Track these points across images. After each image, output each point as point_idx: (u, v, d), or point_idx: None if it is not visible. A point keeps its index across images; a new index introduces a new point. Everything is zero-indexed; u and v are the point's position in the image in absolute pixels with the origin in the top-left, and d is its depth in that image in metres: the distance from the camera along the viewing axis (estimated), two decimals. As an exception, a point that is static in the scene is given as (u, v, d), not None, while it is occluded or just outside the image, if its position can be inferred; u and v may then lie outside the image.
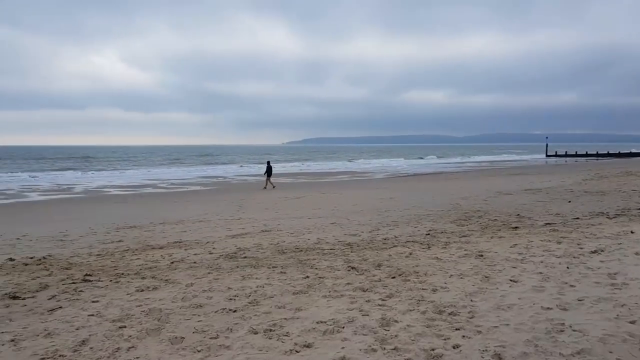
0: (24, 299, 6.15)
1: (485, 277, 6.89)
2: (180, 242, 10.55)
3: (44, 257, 8.95)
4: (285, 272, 7.42)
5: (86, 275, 7.36)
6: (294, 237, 10.97)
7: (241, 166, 67.94)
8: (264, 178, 31.65)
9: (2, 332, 4.93)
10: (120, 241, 10.93)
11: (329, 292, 6.33)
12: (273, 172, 32.20)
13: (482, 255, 8.26)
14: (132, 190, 33.14)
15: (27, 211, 20.73)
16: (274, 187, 30.36)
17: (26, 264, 8.30)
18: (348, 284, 6.71)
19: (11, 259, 8.77)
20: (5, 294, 6.34)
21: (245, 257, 8.72)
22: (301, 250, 9.25)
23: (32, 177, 47.62)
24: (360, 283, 6.73)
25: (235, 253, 9.15)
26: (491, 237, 10.10)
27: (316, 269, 7.65)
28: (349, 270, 7.45)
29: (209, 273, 7.51)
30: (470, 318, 5.25)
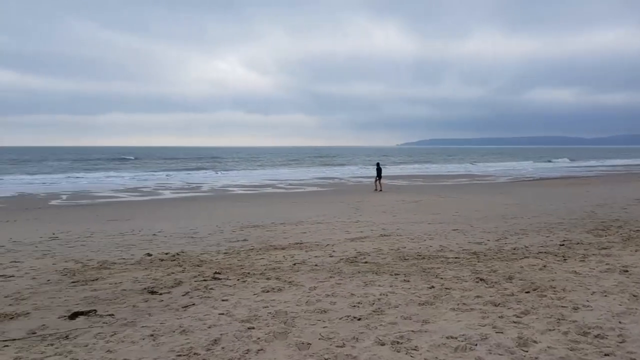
0: (160, 294, 6.52)
1: (634, 295, 6.19)
2: (301, 244, 10.70)
3: (178, 254, 9.48)
4: (409, 281, 7.20)
5: (215, 273, 7.66)
6: (415, 243, 10.68)
7: (361, 167, 68.19)
8: (374, 180, 31.61)
9: (143, 327, 5.23)
10: (245, 240, 11.32)
11: (457, 304, 6.02)
12: (383, 174, 32.03)
13: (627, 271, 7.47)
14: (254, 189, 34.53)
15: (161, 208, 22.32)
16: (381, 189, 30.18)
17: (162, 260, 8.85)
18: (477, 296, 6.34)
19: (149, 254, 9.40)
20: (145, 288, 6.76)
21: (366, 262, 8.62)
22: (424, 258, 8.96)
23: (168, 176, 51.44)
24: (490, 296, 6.33)
25: (355, 257, 9.08)
26: (635, 250, 9.12)
27: (441, 278, 7.35)
28: (478, 282, 7.06)
29: (330, 277, 7.49)
30: (621, 342, 4.71)
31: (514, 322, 5.36)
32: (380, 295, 6.45)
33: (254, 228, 13.55)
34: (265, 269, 8.01)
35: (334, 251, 9.73)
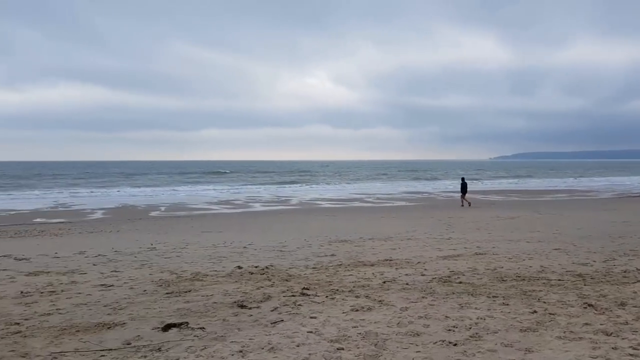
0: (250, 308, 6.50)
1: None
2: (390, 260, 10.40)
3: (267, 267, 9.52)
4: (508, 304, 6.71)
5: (304, 288, 7.56)
6: (513, 262, 10.04)
7: (452, 182, 66.41)
8: (459, 196, 30.80)
9: (232, 342, 5.20)
10: (333, 255, 11.19)
11: (564, 332, 5.49)
12: (468, 189, 31.19)
13: None
14: (342, 203, 34.53)
15: (252, 221, 22.81)
16: (469, 204, 29.19)
17: (252, 273, 8.90)
18: (586, 324, 5.76)
19: (239, 267, 9.50)
20: (235, 302, 6.79)
21: (460, 282, 8.17)
22: (523, 279, 8.36)
23: (258, 189, 52.82)
24: (601, 324, 5.73)
25: (449, 277, 8.65)
26: None
27: (544, 302, 6.78)
28: (586, 308, 6.44)
29: (423, 297, 7.15)
30: None
31: (631, 354, 4.79)
32: (478, 319, 6.03)
33: (342, 243, 13.41)
34: (354, 286, 7.80)
35: (425, 269, 9.35)
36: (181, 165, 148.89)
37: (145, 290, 7.46)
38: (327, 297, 7.13)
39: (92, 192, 48.86)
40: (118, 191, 49.67)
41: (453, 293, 7.38)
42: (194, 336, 5.39)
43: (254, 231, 17.56)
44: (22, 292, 7.25)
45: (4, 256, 11.18)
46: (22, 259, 10.70)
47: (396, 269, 9.43)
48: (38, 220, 25.08)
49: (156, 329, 5.60)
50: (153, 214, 28.14)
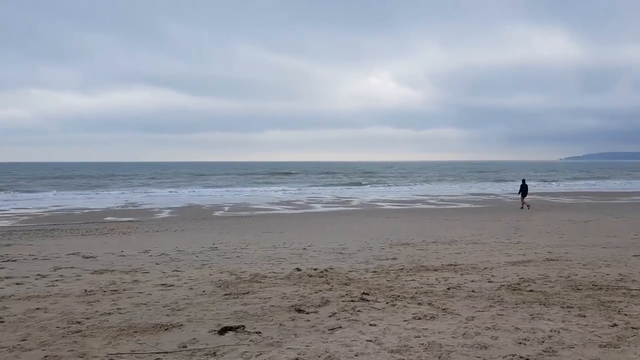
0: (307, 313, 6.31)
1: None
2: (455, 265, 9.95)
3: (326, 270, 9.32)
4: (584, 316, 6.18)
5: (364, 293, 7.30)
6: (588, 269, 9.36)
7: (520, 183, 64.08)
8: (519, 197, 29.77)
9: (288, 348, 5.02)
10: (394, 259, 10.86)
11: (651, 350, 4.96)
12: (528, 191, 30.29)
13: None
14: (404, 205, 33.94)
15: (312, 221, 22.74)
16: (529, 207, 28.19)
17: (310, 276, 8.73)
18: (677, 342, 5.19)
19: (298, 269, 9.35)
20: (292, 305, 6.62)
21: (531, 291, 7.66)
22: (600, 288, 7.74)
23: (319, 190, 52.91)
24: (694, 343, 5.15)
25: (518, 284, 8.14)
26: None
27: (625, 315, 6.21)
28: (675, 323, 5.83)
29: (490, 306, 6.73)
30: None
31: None
32: (551, 331, 5.57)
33: (403, 246, 13.04)
34: (416, 292, 7.46)
35: (492, 276, 8.86)
36: (245, 166, 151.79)
37: (204, 291, 7.43)
38: (387, 303, 6.84)
39: (160, 192, 50.53)
40: (186, 192, 51.08)
41: (523, 302, 6.91)
42: (250, 341, 5.25)
43: (314, 232, 17.45)
44: (86, 291, 7.39)
45: (73, 254, 11.57)
46: (90, 257, 11.02)
47: (461, 274, 8.99)
48: (109, 218, 26.07)
49: (213, 332, 5.51)
50: (217, 213, 28.66)
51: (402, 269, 9.56)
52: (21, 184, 62.41)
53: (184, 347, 5.07)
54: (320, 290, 7.55)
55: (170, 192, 50.43)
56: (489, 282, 8.31)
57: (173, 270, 9.23)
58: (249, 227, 20.10)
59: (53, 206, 34.52)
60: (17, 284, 7.96)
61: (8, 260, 10.44)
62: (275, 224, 21.21)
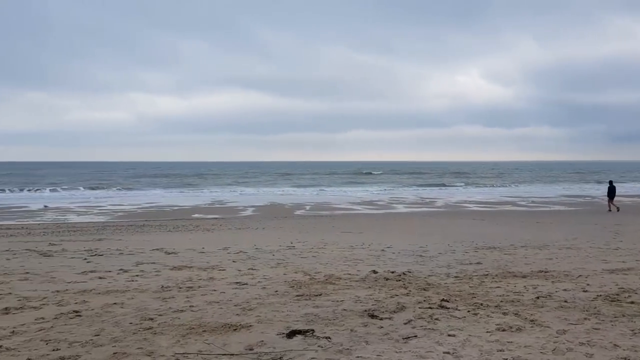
0: (381, 319, 5.98)
1: None
2: (545, 272, 9.19)
3: (404, 273, 8.91)
4: (700, 336, 5.39)
5: (443, 300, 6.85)
6: (703, 282, 8.30)
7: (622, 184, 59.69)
8: (606, 200, 28.08)
9: (358, 357, 4.72)
10: (478, 263, 10.24)
11: None
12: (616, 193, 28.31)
13: None
14: (491, 207, 32.55)
15: (393, 222, 22.25)
16: (618, 209, 26.48)
17: (387, 279, 8.36)
18: None
19: (374, 272, 9.01)
20: (365, 310, 6.31)
21: (632, 303, 6.86)
22: None
23: (402, 190, 52.10)
24: None
25: (617, 295, 7.34)
26: None
27: None
28: None
29: (585, 319, 6.06)
30: None
31: None
32: (659, 352, 4.89)
33: (489, 250, 12.31)
34: (501, 301, 6.90)
35: (588, 284, 8.07)
36: (329, 166, 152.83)
37: (276, 291, 7.29)
38: (469, 311, 6.35)
39: (247, 190, 51.86)
40: (271, 190, 52.09)
41: (623, 315, 6.17)
42: (318, 346, 5.00)
43: (394, 233, 17.00)
44: (162, 287, 7.48)
45: (157, 249, 11.90)
46: (172, 253, 11.28)
47: (552, 282, 8.27)
48: (196, 215, 26.97)
49: (281, 335, 5.32)
50: (298, 212, 28.85)
51: (487, 274, 8.96)
52: (120, 182, 66.27)
53: (250, 349, 4.91)
54: (397, 295, 7.17)
55: (256, 190, 51.63)
56: (584, 291, 7.56)
57: (249, 269, 9.19)
58: (329, 226, 19.97)
59: (146, 203, 36.31)
60: (100, 277, 8.22)
61: (95, 255, 10.89)
62: (355, 224, 20.94)
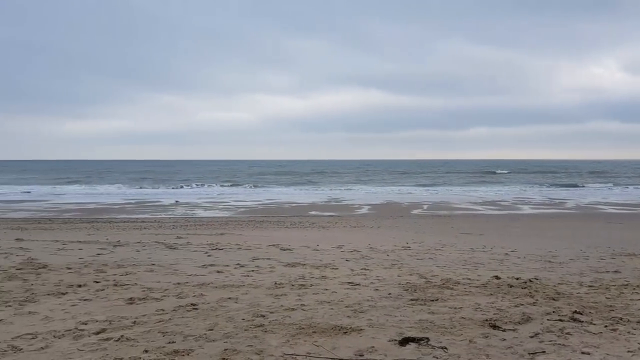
0: (504, 330, 5.47)
1: None
2: (701, 286, 7.99)
3: (530, 280, 8.20)
4: None
5: (575, 312, 6.15)
6: None
7: None
8: None
9: (476, 372, 4.32)
10: (616, 272, 9.18)
11: None
12: None
13: None
14: (631, 209, 29.59)
15: (517, 224, 20.92)
16: None
17: (511, 286, 7.73)
18: None
19: (497, 277, 8.39)
20: (486, 320, 5.82)
21: None
22: None
23: (528, 189, 49.22)
24: None
25: None
26: None
27: None
28: None
29: None
30: None
31: None
32: None
33: (629, 257, 11.05)
34: (646, 316, 6.05)
35: None
36: (449, 165, 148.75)
37: (389, 294, 7.01)
38: (606, 327, 5.63)
39: (363, 188, 51.95)
40: (387, 189, 51.75)
41: None
42: (433, 357, 4.66)
43: (518, 236, 15.93)
44: (276, 283, 7.51)
45: (273, 245, 12.12)
46: (287, 250, 11.41)
47: None
48: (312, 213, 27.38)
49: (393, 342, 5.04)
50: (415, 211, 28.22)
51: (627, 284, 7.97)
52: (246, 180, 69.45)
53: (360, 355, 4.69)
54: (522, 304, 6.57)
55: (373, 189, 51.53)
56: None
57: (362, 268, 8.99)
58: (447, 227, 19.23)
59: (267, 199, 37.62)
60: (218, 272, 8.46)
61: (216, 249, 11.31)
62: (476, 225, 19.97)
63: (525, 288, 7.62)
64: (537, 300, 6.84)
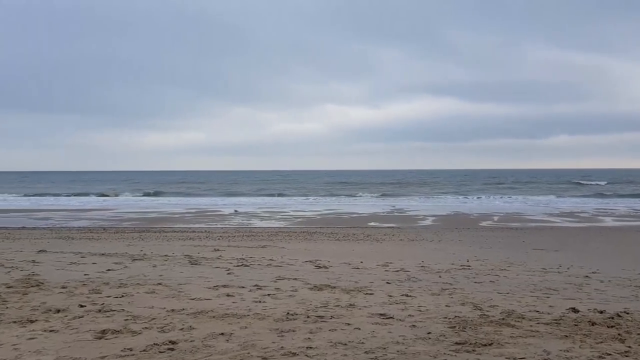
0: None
1: None
2: None
3: (619, 315, 6.34)
4: None
5: (690, 373, 4.34)
6: None
7: None
8: None
9: None
10: None
11: None
12: None
13: None
14: None
15: (600, 239, 18.44)
16: None
17: (593, 323, 5.91)
18: None
19: (574, 310, 6.57)
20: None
21: None
22: None
23: (611, 201, 45.29)
24: None
25: None
26: None
27: None
28: None
29: None
30: None
31: None
32: None
33: None
34: None
35: None
36: (528, 174, 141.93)
37: (429, 333, 5.42)
38: None
39: (430, 198, 49.77)
40: (452, 199, 49.33)
41: None
42: None
43: (601, 254, 13.70)
44: (287, 314, 6.09)
45: (309, 261, 10.73)
46: (322, 267, 9.98)
47: None
48: (371, 224, 25.80)
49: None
50: (483, 223, 26.01)
51: None
52: (309, 189, 68.66)
53: None
54: (608, 354, 4.81)
55: (443, 198, 49.28)
56: None
57: (402, 295, 7.40)
58: (518, 241, 17.13)
59: (326, 210, 36.34)
60: (228, 295, 7.14)
61: (242, 265, 10.04)
62: (551, 240, 17.71)
63: (612, 327, 5.79)
64: (630, 347, 5.04)
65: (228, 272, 9.16)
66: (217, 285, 7.77)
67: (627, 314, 6.47)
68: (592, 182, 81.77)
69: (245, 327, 5.50)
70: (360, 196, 54.81)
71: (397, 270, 9.71)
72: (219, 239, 17.67)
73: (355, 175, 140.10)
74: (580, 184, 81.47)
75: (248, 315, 6.03)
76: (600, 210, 34.10)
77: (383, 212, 33.73)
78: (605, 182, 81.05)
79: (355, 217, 30.07)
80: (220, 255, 11.65)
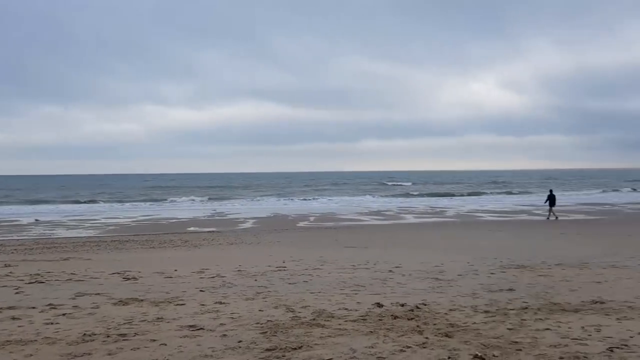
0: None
1: None
2: (601, 303, 7.07)
3: (417, 307, 6.83)
4: None
5: (476, 357, 4.76)
6: None
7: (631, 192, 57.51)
8: (547, 208, 27.24)
9: None
10: (510, 290, 8.13)
11: None
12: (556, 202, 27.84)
13: None
14: (506, 216, 30.38)
15: (402, 235, 20.15)
16: (556, 218, 26.02)
17: (395, 317, 6.27)
18: None
19: (379, 305, 6.93)
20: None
21: None
22: None
23: (412, 200, 50.06)
24: None
25: None
26: None
27: None
28: None
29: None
30: None
31: None
32: None
33: (519, 270, 10.19)
34: (560, 357, 4.79)
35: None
36: (341, 176, 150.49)
37: (239, 342, 5.23)
38: (515, 376, 4.27)
39: (253, 202, 50.04)
40: (273, 200, 50.25)
41: None
42: None
43: (404, 248, 14.92)
44: (84, 335, 5.43)
45: (117, 273, 9.88)
46: (131, 279, 9.25)
47: (617, 319, 6.15)
48: (191, 229, 25.00)
49: None
50: (301, 224, 26.84)
51: (526, 307, 6.84)
52: (126, 194, 64.53)
53: None
54: (408, 347, 5.09)
55: (264, 201, 49.98)
56: (670, 336, 5.45)
57: (216, 302, 7.13)
58: (331, 240, 17.92)
59: (142, 216, 34.38)
60: (14, 318, 6.19)
61: (36, 282, 8.87)
62: (361, 237, 18.87)
63: (412, 319, 6.19)
64: (427, 338, 5.40)
65: (17, 290, 7.98)
66: (1, 308, 6.68)
67: (425, 305, 7.00)
68: (402, 183, 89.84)
69: (31, 355, 4.75)
70: (182, 200, 53.03)
71: (213, 277, 9.39)
72: (12, 252, 15.59)
73: (178, 179, 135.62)
74: (387, 185, 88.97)
75: (35, 340, 5.24)
76: (403, 209, 37.45)
77: (204, 217, 32.99)
78: (411, 183, 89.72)
79: (174, 223, 28.89)
80: (10, 272, 10.18)
